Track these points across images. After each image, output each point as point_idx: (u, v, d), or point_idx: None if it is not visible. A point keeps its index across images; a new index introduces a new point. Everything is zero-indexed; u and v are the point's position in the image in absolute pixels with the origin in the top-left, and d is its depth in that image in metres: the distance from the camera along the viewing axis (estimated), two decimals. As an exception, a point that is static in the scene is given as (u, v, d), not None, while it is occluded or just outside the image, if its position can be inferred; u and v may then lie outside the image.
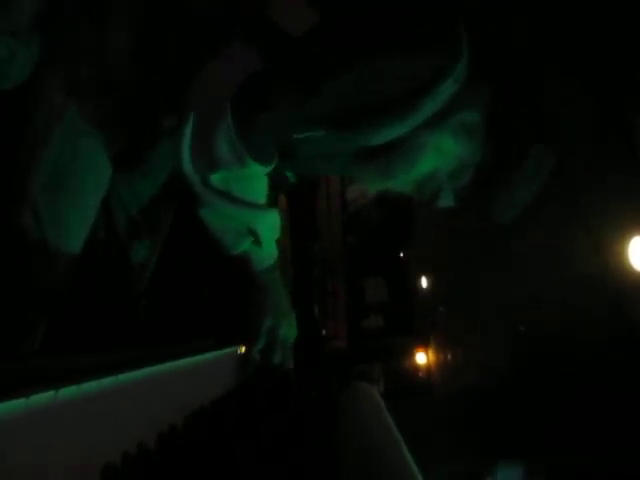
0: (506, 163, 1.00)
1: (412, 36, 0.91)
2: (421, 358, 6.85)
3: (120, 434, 0.77)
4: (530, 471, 3.14)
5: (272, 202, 1.38)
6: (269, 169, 1.05)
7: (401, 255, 7.89)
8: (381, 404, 1.58)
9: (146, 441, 0.83)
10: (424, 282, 6.98)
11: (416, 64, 0.91)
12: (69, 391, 0.64)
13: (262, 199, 1.12)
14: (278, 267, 1.25)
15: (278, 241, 1.24)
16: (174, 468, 0.87)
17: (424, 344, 6.85)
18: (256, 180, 1.08)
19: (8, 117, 1.07)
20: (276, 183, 1.27)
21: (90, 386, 0.69)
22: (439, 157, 0.99)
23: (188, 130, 0.97)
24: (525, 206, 1.04)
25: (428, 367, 6.78)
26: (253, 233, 1.12)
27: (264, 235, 1.14)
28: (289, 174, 1.19)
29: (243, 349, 1.36)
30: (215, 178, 1.00)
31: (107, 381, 0.73)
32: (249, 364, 1.36)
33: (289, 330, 1.32)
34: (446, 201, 1.06)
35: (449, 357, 6.03)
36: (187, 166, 0.99)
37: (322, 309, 6.50)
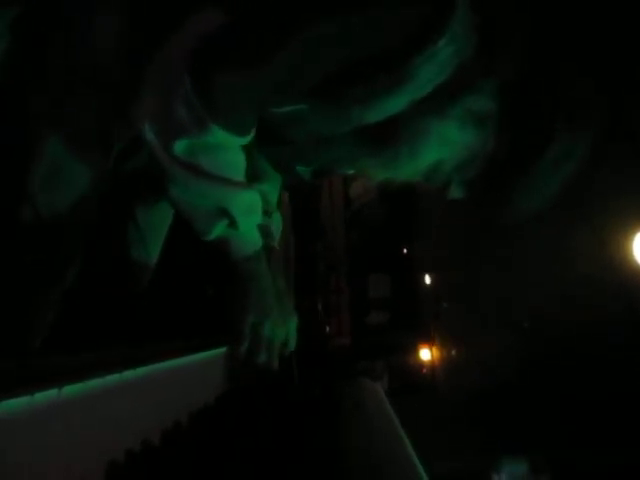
0: (525, 152, 0.94)
1: None
2: (425, 355, 6.86)
3: (124, 431, 0.77)
4: (535, 467, 3.14)
5: (278, 202, 1.33)
6: (242, 141, 0.96)
7: (404, 252, 7.89)
8: (385, 401, 1.58)
9: (150, 438, 0.83)
10: (427, 279, 6.98)
11: (400, 16, 0.82)
12: (73, 389, 0.64)
13: (238, 175, 0.99)
14: (263, 258, 1.14)
15: (266, 228, 1.15)
16: (178, 465, 0.87)
17: (428, 341, 6.85)
18: (229, 153, 0.98)
19: (3, 114, 1.07)
20: (289, 181, 1.23)
21: (94, 384, 0.69)
22: (444, 147, 0.94)
23: (147, 94, 0.90)
24: (553, 196, 0.96)
25: (432, 364, 6.77)
26: (227, 215, 1.00)
27: (239, 218, 1.03)
28: (301, 170, 1.11)
29: (227, 350, 1.26)
30: (180, 147, 0.92)
31: (111, 379, 0.73)
32: (235, 365, 1.26)
33: (276, 329, 1.20)
34: (456, 193, 1.00)
35: (453, 353, 6.02)
36: (149, 134, 0.91)
37: (325, 306, 6.51)
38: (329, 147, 1.01)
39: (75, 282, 1.12)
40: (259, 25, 0.86)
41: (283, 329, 1.23)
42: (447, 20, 0.81)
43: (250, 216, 1.04)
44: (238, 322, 1.15)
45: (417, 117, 0.90)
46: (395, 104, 0.88)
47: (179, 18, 0.89)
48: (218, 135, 0.89)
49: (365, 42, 0.82)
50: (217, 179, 0.96)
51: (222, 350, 1.30)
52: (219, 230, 1.03)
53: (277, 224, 1.32)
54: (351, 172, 1.15)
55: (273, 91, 0.91)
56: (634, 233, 2.11)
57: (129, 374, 0.79)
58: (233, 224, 1.02)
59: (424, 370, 6.84)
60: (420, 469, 0.97)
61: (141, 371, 0.83)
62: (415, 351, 6.90)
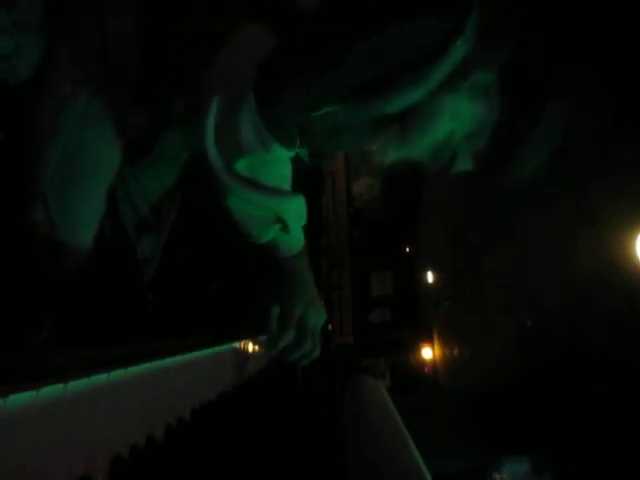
0: (523, 122, 0.99)
1: None
2: (427, 353, 6.87)
3: (128, 426, 0.78)
4: (537, 466, 3.14)
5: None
6: (293, 152, 1.04)
7: (407, 250, 7.91)
8: (387, 398, 1.59)
9: (154, 433, 0.84)
10: (430, 277, 6.99)
11: (425, 26, 0.90)
12: (78, 384, 0.64)
13: (287, 185, 1.11)
14: (306, 254, 1.24)
15: (304, 227, 1.23)
16: (182, 460, 0.87)
17: (430, 339, 6.86)
18: (280, 165, 1.07)
19: (15, 112, 1.08)
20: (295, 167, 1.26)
21: (99, 379, 0.69)
22: (455, 120, 0.98)
23: (211, 118, 0.96)
24: (540, 167, 1.02)
25: (434, 362, 6.78)
26: (281, 220, 1.11)
27: (291, 222, 1.12)
28: (301, 152, 1.15)
29: (267, 340, 1.32)
30: (240, 165, 0.99)
31: (116, 374, 0.73)
32: (273, 355, 1.33)
33: (318, 318, 1.30)
34: (464, 165, 1.04)
35: (455, 351, 6.03)
36: (212, 154, 0.98)
37: (328, 303, 6.52)
38: (342, 132, 1.05)
39: (81, 278, 1.13)
40: (310, 48, 0.92)
41: (323, 318, 1.30)
42: (464, 25, 0.86)
43: (299, 219, 1.12)
44: (284, 314, 1.22)
45: (430, 97, 0.94)
46: (413, 97, 0.93)
47: (200, 38, 0.95)
48: (277, 152, 0.96)
49: (396, 52, 0.89)
50: (273, 191, 1.04)
51: (225, 347, 1.31)
52: (272, 233, 1.11)
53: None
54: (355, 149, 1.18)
55: (319, 104, 0.97)
56: (637, 232, 2.11)
57: (134, 370, 0.79)
58: (285, 228, 1.10)
59: (426, 368, 6.85)
60: (422, 467, 0.97)
61: (146, 367, 0.84)
62: (417, 349, 6.91)
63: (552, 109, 0.98)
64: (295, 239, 1.17)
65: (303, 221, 1.15)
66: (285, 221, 1.08)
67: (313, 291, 1.25)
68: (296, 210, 1.10)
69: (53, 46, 1.07)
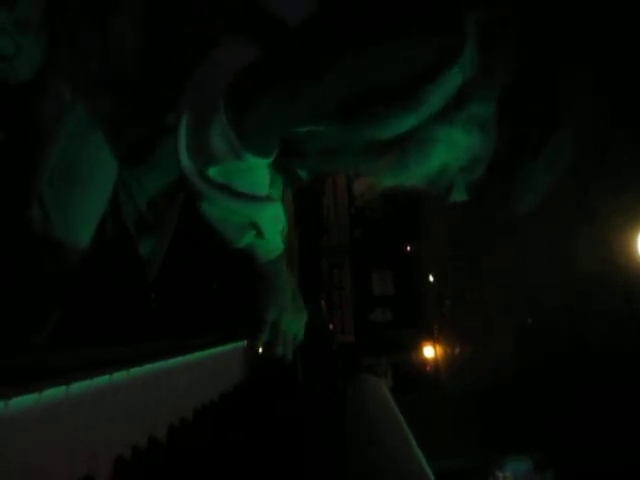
0: (522, 154, 0.98)
1: (411, 18, 0.88)
2: (428, 352, 6.87)
3: (131, 427, 0.78)
4: (538, 464, 3.14)
5: (279, 197, 1.37)
6: (269, 161, 1.03)
7: (408, 249, 7.90)
8: (389, 397, 1.59)
9: (156, 434, 0.84)
10: (431, 276, 6.99)
11: (416, 48, 0.88)
12: (81, 385, 0.64)
13: (264, 190, 1.09)
14: (284, 260, 1.25)
15: (283, 232, 1.23)
16: (184, 461, 0.87)
17: (431, 338, 6.86)
18: (256, 172, 1.06)
19: (15, 112, 1.08)
20: (289, 182, 1.27)
21: (101, 380, 0.69)
22: (451, 151, 0.97)
23: (184, 124, 0.95)
24: (543, 195, 1.02)
25: (435, 361, 6.78)
26: (255, 226, 1.11)
27: (267, 227, 1.11)
28: (301, 173, 1.16)
29: (247, 342, 1.36)
30: (214, 171, 0.98)
31: (118, 375, 0.73)
32: (253, 357, 1.36)
33: (293, 324, 1.31)
34: (459, 195, 1.04)
35: (456, 350, 6.02)
36: (185, 161, 0.97)
37: (329, 303, 6.52)
38: (336, 156, 1.05)
39: (82, 278, 1.13)
40: (291, 59, 0.91)
41: (296, 324, 1.31)
42: (459, 52, 0.85)
43: (275, 225, 1.12)
44: (259, 318, 1.23)
45: (425, 127, 0.93)
46: (406, 124, 0.92)
47: (200, 38, 0.95)
48: (250, 161, 0.95)
49: (382, 71, 0.88)
50: (247, 197, 1.03)
51: (228, 346, 1.31)
52: (248, 239, 1.11)
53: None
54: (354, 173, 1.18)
55: (300, 119, 0.96)
56: (637, 231, 2.11)
57: (136, 371, 0.79)
58: (260, 234, 1.10)
59: (427, 367, 6.85)
60: (425, 466, 0.97)
61: (148, 368, 0.84)
62: (418, 348, 6.91)
63: (553, 142, 0.97)
64: (272, 245, 1.16)
65: (280, 227, 1.15)
66: (260, 227, 1.08)
67: (288, 297, 1.27)
68: (272, 216, 1.10)
69: (54, 46, 1.07)
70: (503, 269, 3.69)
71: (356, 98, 0.90)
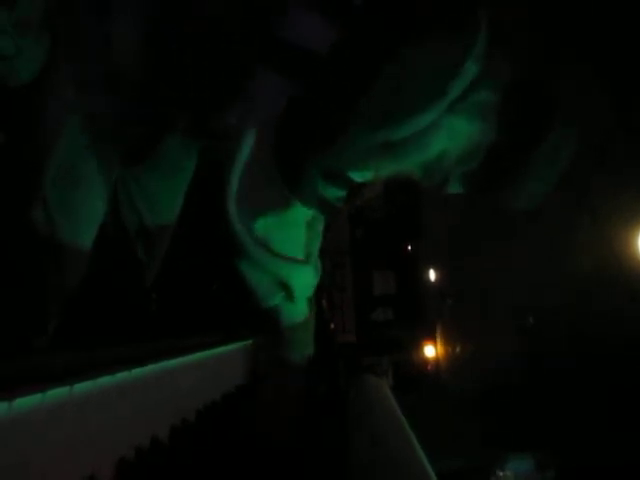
0: (522, 147, 0.98)
1: (436, 18, 0.89)
2: (430, 351, 6.87)
3: (133, 428, 0.78)
4: (540, 463, 3.14)
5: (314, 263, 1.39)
6: (311, 212, 1.04)
7: (409, 248, 7.90)
8: (390, 396, 1.59)
9: (159, 435, 0.84)
10: (432, 275, 6.99)
11: (444, 46, 0.90)
12: (84, 386, 0.65)
13: (300, 252, 1.12)
14: (306, 327, 1.24)
15: (311, 300, 1.24)
16: (187, 461, 0.88)
17: (432, 337, 6.86)
18: (296, 228, 1.07)
19: (16, 113, 1.08)
20: (324, 211, 1.27)
21: (104, 381, 0.69)
22: (451, 138, 0.97)
23: (235, 177, 0.96)
24: (543, 193, 1.01)
25: (436, 360, 6.78)
26: (286, 288, 1.12)
27: (297, 291, 1.13)
28: (330, 193, 1.15)
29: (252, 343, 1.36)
30: (258, 226, 0.99)
31: (120, 376, 0.73)
32: (255, 357, 1.36)
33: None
34: (455, 187, 1.03)
35: (457, 350, 6.03)
36: (233, 215, 0.98)
37: (330, 302, 6.51)
38: (341, 151, 1.04)
39: (84, 281, 1.13)
40: (331, 100, 0.92)
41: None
42: (475, 45, 0.86)
43: (305, 289, 1.15)
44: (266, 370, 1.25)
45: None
46: (427, 119, 0.92)
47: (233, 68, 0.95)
48: (295, 211, 0.96)
49: (417, 76, 0.89)
50: (286, 258, 1.05)
51: (229, 347, 1.31)
52: (277, 299, 1.13)
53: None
54: (361, 178, 1.17)
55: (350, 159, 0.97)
56: (638, 231, 2.11)
57: (138, 372, 0.79)
58: (290, 296, 1.12)
59: (429, 366, 6.85)
60: (427, 465, 0.97)
61: (150, 368, 0.84)
62: (420, 347, 6.91)
63: (554, 134, 0.97)
64: (298, 309, 1.18)
65: (309, 292, 1.17)
66: (291, 289, 1.09)
67: (303, 364, 1.27)
68: (304, 279, 1.12)
69: (55, 47, 1.07)
70: (504, 269, 3.69)
71: (391, 109, 0.91)
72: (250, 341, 1.57)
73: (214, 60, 0.99)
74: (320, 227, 1.20)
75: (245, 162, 0.94)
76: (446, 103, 0.90)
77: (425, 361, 6.87)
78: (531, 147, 0.97)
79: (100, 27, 1.05)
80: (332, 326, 5.56)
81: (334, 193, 1.07)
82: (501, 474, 3.61)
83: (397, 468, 0.97)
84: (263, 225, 0.98)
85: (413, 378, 6.56)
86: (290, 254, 1.07)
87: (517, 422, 3.42)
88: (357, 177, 1.08)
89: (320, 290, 1.29)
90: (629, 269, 2.25)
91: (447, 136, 0.96)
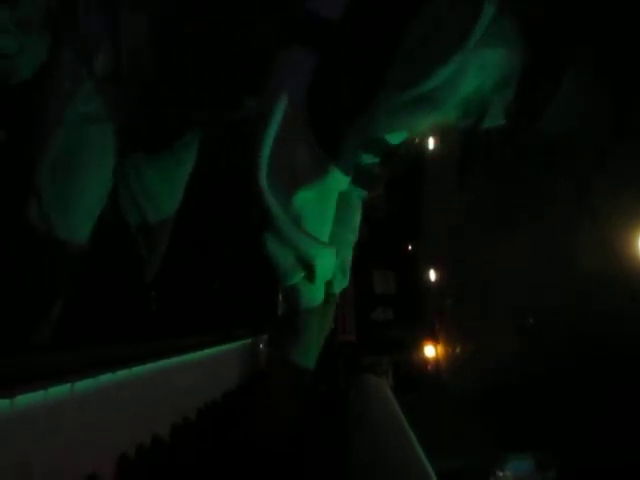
0: (551, 69, 0.99)
1: None
2: (430, 351, 6.87)
3: (134, 426, 0.78)
4: (541, 463, 3.14)
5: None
6: (346, 182, 1.05)
7: (409, 248, 7.90)
8: (390, 396, 1.59)
9: (160, 433, 0.84)
10: (432, 275, 6.99)
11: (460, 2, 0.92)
12: (84, 384, 0.65)
13: (325, 238, 1.12)
14: (324, 313, 1.25)
15: (329, 285, 1.24)
16: (188, 459, 0.88)
17: (432, 337, 6.86)
18: (329, 205, 1.08)
19: (17, 111, 1.08)
20: (362, 181, 1.28)
21: (105, 379, 0.69)
22: (483, 71, 0.99)
23: (268, 143, 0.96)
24: (575, 114, 1.03)
25: (437, 360, 6.78)
26: (309, 268, 1.12)
27: (319, 272, 1.14)
28: (366, 159, 1.16)
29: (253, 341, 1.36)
30: (296, 199, 1.00)
31: (121, 374, 0.74)
32: (256, 356, 1.35)
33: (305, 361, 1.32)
34: (496, 119, 1.04)
35: (458, 350, 6.03)
36: (266, 190, 0.98)
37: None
38: (375, 114, 1.05)
39: (84, 279, 1.13)
40: (359, 64, 0.93)
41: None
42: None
43: (326, 272, 1.15)
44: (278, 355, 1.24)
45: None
46: (452, 68, 0.94)
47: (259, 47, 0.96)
48: (335, 178, 0.98)
49: (442, 31, 0.92)
50: (312, 237, 1.06)
51: (229, 346, 1.31)
52: (297, 278, 1.13)
53: (339, 283, 1.37)
54: (397, 140, 1.17)
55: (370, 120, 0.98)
56: (638, 231, 2.11)
57: (139, 370, 0.79)
58: (310, 276, 1.12)
59: (429, 366, 6.85)
60: (427, 465, 0.97)
61: (150, 367, 0.84)
62: (420, 347, 6.91)
63: (577, 55, 0.99)
64: (314, 292, 1.19)
65: (329, 275, 1.17)
66: (314, 269, 1.10)
67: (314, 355, 1.26)
68: (327, 262, 1.13)
69: (56, 45, 1.07)
70: (504, 269, 3.69)
71: (424, 58, 0.93)
72: (250, 340, 1.57)
73: (235, 50, 1.00)
74: (357, 202, 1.21)
75: (277, 135, 0.95)
76: (471, 46, 0.92)
77: (425, 361, 6.87)
78: (561, 68, 0.99)
79: (99, 26, 1.06)
80: (332, 326, 5.56)
81: (370, 160, 1.08)
82: (501, 474, 3.61)
83: (397, 468, 0.97)
84: (302, 198, 0.99)
85: (413, 378, 6.56)
86: (319, 234, 1.08)
87: (517, 422, 3.42)
88: (394, 139, 1.09)
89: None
90: (629, 269, 2.25)
91: (477, 71, 0.97)
